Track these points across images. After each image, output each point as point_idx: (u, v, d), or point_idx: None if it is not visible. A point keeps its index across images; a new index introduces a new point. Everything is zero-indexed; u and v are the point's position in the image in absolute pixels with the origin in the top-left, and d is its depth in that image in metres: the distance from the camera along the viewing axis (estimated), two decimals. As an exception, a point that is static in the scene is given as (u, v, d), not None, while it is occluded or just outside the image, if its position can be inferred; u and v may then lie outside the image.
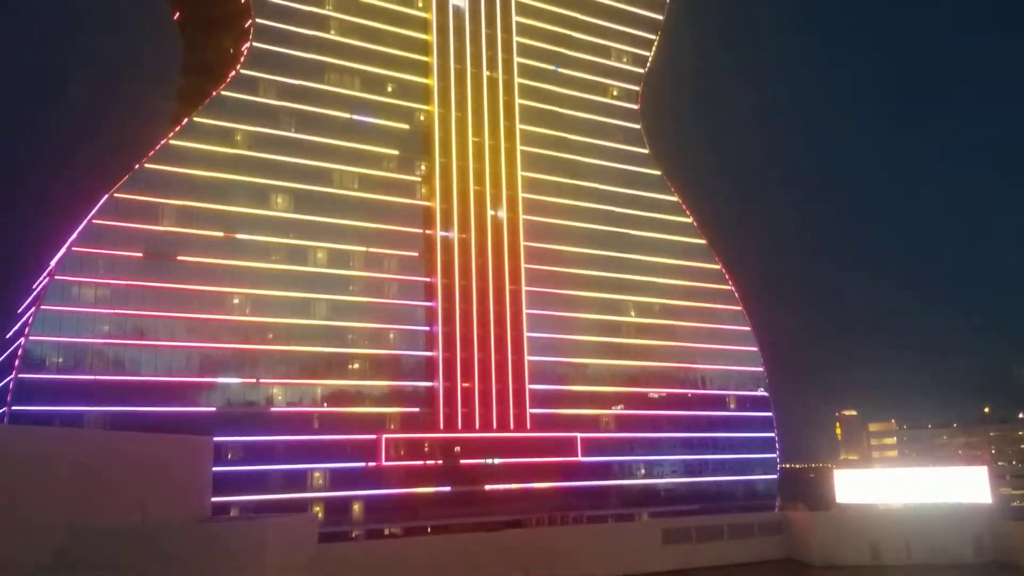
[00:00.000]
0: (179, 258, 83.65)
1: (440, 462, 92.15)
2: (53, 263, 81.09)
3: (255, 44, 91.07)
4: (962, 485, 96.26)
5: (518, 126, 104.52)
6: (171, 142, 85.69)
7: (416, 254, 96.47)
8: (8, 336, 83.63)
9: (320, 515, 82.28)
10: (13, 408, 73.70)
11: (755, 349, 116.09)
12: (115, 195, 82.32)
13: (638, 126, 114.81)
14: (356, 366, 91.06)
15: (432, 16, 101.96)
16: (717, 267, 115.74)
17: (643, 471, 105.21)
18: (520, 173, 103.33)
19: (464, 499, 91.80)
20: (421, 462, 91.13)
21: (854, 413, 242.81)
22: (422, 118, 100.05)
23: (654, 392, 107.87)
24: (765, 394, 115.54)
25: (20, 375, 75.20)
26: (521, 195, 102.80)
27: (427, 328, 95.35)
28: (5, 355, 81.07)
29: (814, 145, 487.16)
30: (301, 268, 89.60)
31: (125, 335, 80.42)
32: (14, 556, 46.67)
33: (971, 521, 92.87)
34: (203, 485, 66.42)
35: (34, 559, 47.80)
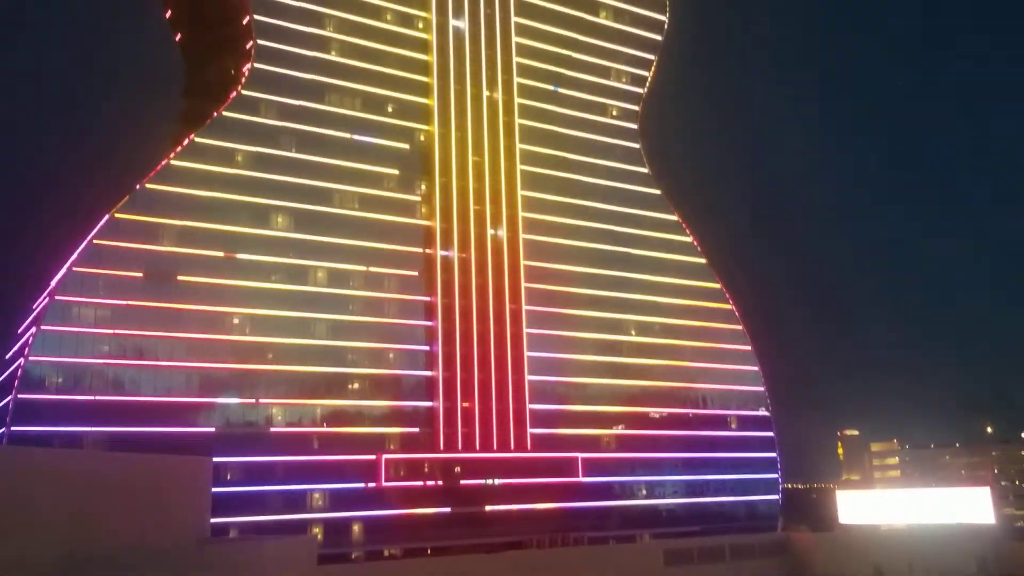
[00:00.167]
0: (179, 278, 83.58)
1: (440, 483, 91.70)
2: (53, 283, 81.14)
3: (256, 65, 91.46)
4: (965, 506, 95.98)
5: (518, 145, 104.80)
6: (172, 162, 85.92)
7: (416, 273, 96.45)
8: (8, 356, 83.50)
9: (319, 536, 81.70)
10: (12, 429, 73.40)
11: (756, 368, 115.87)
12: (116, 215, 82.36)
13: (638, 145, 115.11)
14: (356, 386, 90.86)
15: (432, 37, 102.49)
16: (717, 286, 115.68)
17: (644, 491, 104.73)
18: (520, 192, 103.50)
19: (464, 520, 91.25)
20: (421, 483, 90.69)
21: (856, 433, 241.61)
22: (422, 138, 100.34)
23: (655, 412, 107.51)
24: (767, 414, 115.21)
25: (19, 395, 74.94)
26: (521, 214, 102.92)
27: (427, 348, 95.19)
28: (5, 375, 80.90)
29: (816, 166, 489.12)
30: (301, 288, 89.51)
31: (125, 355, 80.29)
32: (11, 578, 46.36)
33: (975, 542, 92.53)
34: (202, 506, 65.97)
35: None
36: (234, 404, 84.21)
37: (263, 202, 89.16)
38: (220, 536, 71.83)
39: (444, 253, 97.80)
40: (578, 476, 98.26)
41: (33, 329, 77.82)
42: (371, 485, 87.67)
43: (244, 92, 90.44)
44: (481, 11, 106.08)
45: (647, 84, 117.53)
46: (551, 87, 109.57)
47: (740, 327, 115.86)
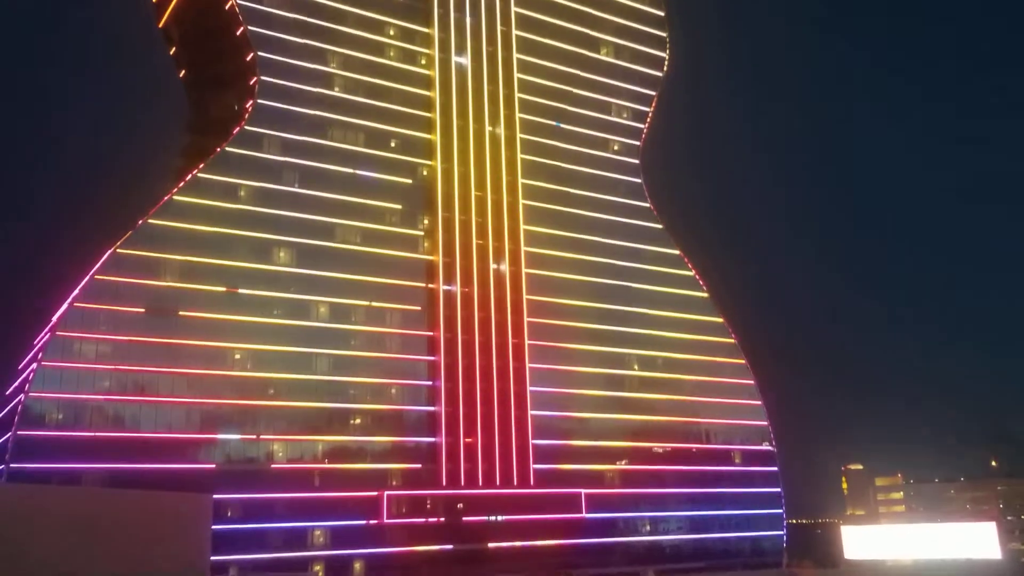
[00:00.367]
0: (181, 313, 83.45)
1: (443, 519, 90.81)
2: (55, 318, 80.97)
3: (260, 101, 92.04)
4: (971, 541, 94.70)
5: (520, 180, 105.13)
6: (174, 198, 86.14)
7: (418, 308, 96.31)
8: (8, 392, 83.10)
9: (320, 574, 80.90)
10: (11, 466, 72.89)
11: (759, 403, 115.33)
12: (118, 250, 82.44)
13: (639, 180, 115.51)
14: (358, 421, 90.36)
15: (435, 73, 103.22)
16: (720, 320, 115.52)
17: (648, 527, 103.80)
18: (522, 227, 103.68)
19: (467, 557, 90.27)
20: (423, 519, 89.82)
21: (860, 467, 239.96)
22: (425, 173, 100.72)
23: (658, 447, 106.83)
24: (770, 448, 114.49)
25: (19, 432, 74.50)
26: (523, 249, 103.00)
27: (429, 383, 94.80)
28: (5, 412, 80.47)
29: (819, 199, 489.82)
30: (303, 323, 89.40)
31: (126, 391, 79.93)
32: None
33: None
34: (202, 543, 65.20)
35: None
36: (235, 440, 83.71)
37: (265, 237, 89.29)
38: (220, 574, 71.03)
39: (447, 288, 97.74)
40: (582, 512, 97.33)
41: (34, 365, 77.53)
42: (373, 522, 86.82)
43: (247, 128, 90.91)
44: (483, 47, 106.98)
45: (648, 119, 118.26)
46: (553, 123, 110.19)
47: (743, 361, 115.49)
